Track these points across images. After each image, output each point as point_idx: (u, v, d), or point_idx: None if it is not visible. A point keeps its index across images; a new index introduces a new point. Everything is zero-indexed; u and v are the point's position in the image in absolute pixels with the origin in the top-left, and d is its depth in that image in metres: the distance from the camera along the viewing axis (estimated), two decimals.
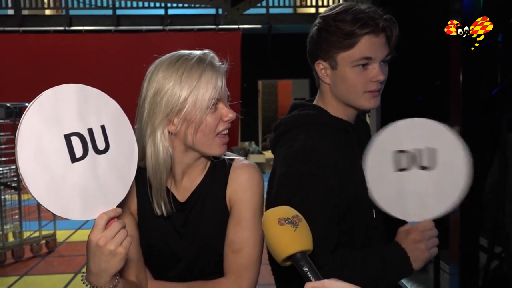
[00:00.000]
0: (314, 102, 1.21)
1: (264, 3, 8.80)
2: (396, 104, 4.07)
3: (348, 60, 1.08)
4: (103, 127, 0.87)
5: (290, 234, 0.77)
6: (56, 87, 0.87)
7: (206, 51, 1.06)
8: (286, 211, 0.82)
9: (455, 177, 1.04)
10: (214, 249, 1.08)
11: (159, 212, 1.06)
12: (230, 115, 1.03)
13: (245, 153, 8.82)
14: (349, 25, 1.06)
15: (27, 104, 4.71)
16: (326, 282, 0.71)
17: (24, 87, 8.25)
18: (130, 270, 1.08)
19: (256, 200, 1.07)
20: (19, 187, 4.29)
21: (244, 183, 1.07)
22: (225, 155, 1.11)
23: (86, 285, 0.91)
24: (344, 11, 1.08)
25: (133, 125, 0.98)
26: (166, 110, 1.00)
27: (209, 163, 1.11)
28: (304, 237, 0.78)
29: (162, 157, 1.02)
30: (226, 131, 1.05)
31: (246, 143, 10.14)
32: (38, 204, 4.42)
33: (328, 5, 9.04)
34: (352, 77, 1.09)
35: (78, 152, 0.84)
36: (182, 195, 1.10)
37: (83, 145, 0.84)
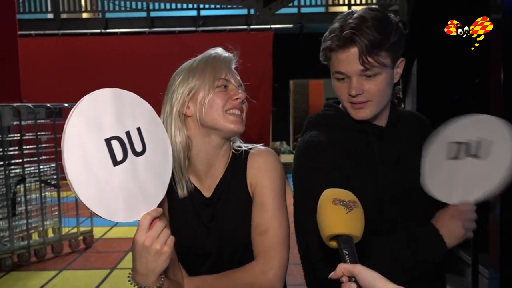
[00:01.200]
0: (340, 105, 1.24)
1: (296, 3, 8.76)
2: (432, 104, 3.96)
3: (331, 71, 1.14)
4: (139, 129, 0.90)
5: (340, 215, 0.78)
6: (94, 92, 0.88)
7: (217, 48, 1.17)
8: (344, 193, 0.83)
9: (500, 166, 1.07)
10: (241, 239, 1.10)
11: (181, 194, 1.09)
12: (239, 94, 1.09)
13: (277, 153, 8.82)
14: (324, 40, 1.12)
15: (66, 104, 4.88)
16: (358, 266, 0.72)
17: (63, 89, 8.53)
18: (168, 269, 1.10)
19: (276, 183, 1.10)
20: (59, 184, 4.44)
21: (261, 167, 1.10)
22: (245, 146, 1.16)
23: (134, 286, 0.93)
24: (334, 23, 1.12)
25: None
26: (179, 95, 1.10)
27: (230, 156, 1.15)
28: (354, 222, 0.78)
29: (180, 138, 1.09)
30: (237, 111, 1.10)
31: (277, 143, 10.12)
32: (76, 201, 4.56)
33: (360, 3, 8.90)
34: (335, 88, 1.15)
35: (119, 155, 0.86)
36: (207, 191, 1.13)
37: (123, 148, 0.87)
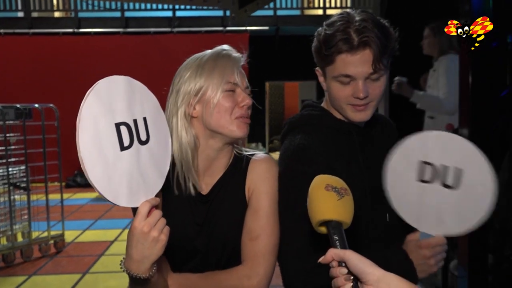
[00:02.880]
0: (322, 104, 1.23)
1: (271, 5, 8.80)
2: (405, 105, 4.05)
3: (331, 74, 1.10)
4: (145, 119, 0.91)
5: (333, 201, 0.78)
6: (110, 77, 0.90)
7: (224, 45, 1.16)
8: (336, 180, 0.83)
9: (478, 201, 0.99)
10: (231, 241, 1.10)
11: (190, 192, 1.10)
12: (246, 100, 1.09)
13: None
14: (329, 42, 1.06)
15: (36, 105, 4.77)
16: (348, 252, 0.73)
17: (33, 89, 8.33)
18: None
19: (274, 190, 1.09)
20: (28, 187, 4.33)
21: (262, 173, 1.10)
22: (247, 151, 1.16)
23: (125, 271, 0.93)
24: (332, 24, 1.08)
25: None
26: (185, 94, 1.08)
27: (231, 158, 1.14)
28: (345, 209, 0.79)
29: (185, 137, 1.08)
30: (244, 118, 1.11)
31: (253, 145, 10.14)
32: (47, 205, 4.45)
33: (335, 7, 9.02)
34: (335, 90, 1.11)
35: (126, 141, 0.88)
36: (204, 189, 1.13)
37: (130, 134, 0.89)
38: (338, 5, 9.04)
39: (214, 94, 1.07)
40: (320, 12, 9.18)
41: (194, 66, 1.10)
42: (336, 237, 0.76)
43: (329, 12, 8.86)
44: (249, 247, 1.06)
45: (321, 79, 1.18)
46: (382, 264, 1.03)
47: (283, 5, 9.03)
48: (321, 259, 0.75)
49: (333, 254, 0.74)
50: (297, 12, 9.57)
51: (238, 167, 1.13)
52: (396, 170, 1.03)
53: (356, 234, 1.11)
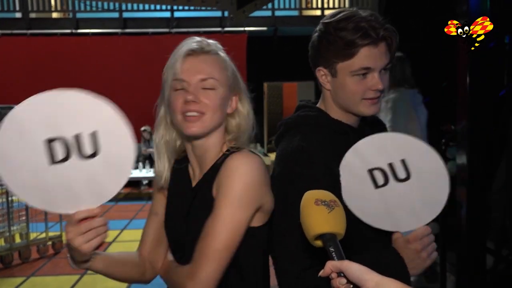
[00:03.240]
0: (318, 105, 1.22)
1: (269, 6, 8.81)
2: None
3: (348, 70, 1.09)
4: (93, 133, 0.92)
5: (323, 215, 0.80)
6: (46, 93, 0.94)
7: (202, 38, 1.13)
8: (325, 194, 0.85)
9: (435, 180, 1.03)
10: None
11: (188, 184, 1.13)
12: (188, 97, 1.02)
13: None
14: (350, 35, 1.06)
15: None
16: (345, 262, 0.75)
17: (31, 90, 8.27)
18: (144, 246, 1.17)
19: (235, 190, 1.00)
20: None
21: (228, 171, 1.02)
22: (238, 149, 1.09)
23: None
24: (346, 19, 1.08)
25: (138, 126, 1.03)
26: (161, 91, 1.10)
27: (220, 154, 1.11)
28: (337, 220, 0.81)
29: (167, 138, 1.13)
30: (193, 113, 1.04)
31: (251, 145, 10.12)
32: None
33: (334, 7, 9.03)
34: (351, 86, 1.10)
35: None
36: (195, 182, 1.14)
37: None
38: (336, 5, 9.05)
39: (166, 91, 1.07)
40: (318, 12, 9.19)
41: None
42: (332, 249, 0.78)
43: (327, 12, 8.86)
44: (197, 245, 1.01)
45: (324, 79, 1.14)
46: (374, 266, 1.04)
47: (281, 6, 9.03)
48: (320, 273, 0.77)
49: (331, 266, 0.75)
50: (295, 13, 9.58)
51: (219, 164, 1.08)
52: (351, 189, 1.04)
53: (354, 235, 1.11)
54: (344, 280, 0.74)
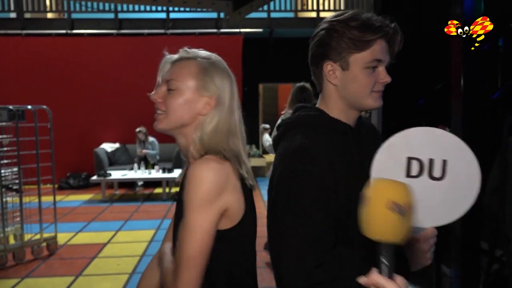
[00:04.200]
0: (317, 105, 1.23)
1: (265, 7, 8.82)
2: (397, 107, 4.07)
3: (362, 61, 1.11)
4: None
5: (393, 223, 0.71)
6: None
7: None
8: (401, 193, 0.73)
9: (464, 189, 1.03)
10: None
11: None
12: (153, 96, 1.15)
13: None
14: (365, 28, 1.09)
15: (29, 107, 4.75)
16: (391, 285, 0.68)
17: (26, 90, 8.28)
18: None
19: (195, 195, 1.02)
20: (21, 189, 4.30)
21: (189, 178, 1.04)
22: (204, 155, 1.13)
23: None
24: (355, 15, 1.12)
25: None
26: None
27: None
28: (403, 231, 0.72)
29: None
30: (158, 111, 1.15)
31: (247, 147, 10.12)
32: (40, 207, 4.42)
33: (329, 9, 9.05)
34: (363, 78, 1.12)
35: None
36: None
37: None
38: (332, 8, 9.08)
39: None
40: (313, 14, 9.21)
41: None
42: (384, 260, 0.71)
43: (322, 14, 8.89)
44: (175, 254, 1.07)
45: (332, 74, 1.16)
46: (357, 263, 1.05)
47: (277, 8, 9.05)
48: (361, 281, 0.71)
49: (374, 280, 0.69)
50: (291, 15, 9.60)
51: (186, 171, 1.14)
52: (383, 169, 1.05)
53: (355, 233, 1.12)
54: None
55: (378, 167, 1.06)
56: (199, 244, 1.02)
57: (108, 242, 4.95)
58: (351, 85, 1.14)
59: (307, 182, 1.07)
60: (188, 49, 1.17)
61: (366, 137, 1.24)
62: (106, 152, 8.48)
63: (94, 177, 7.40)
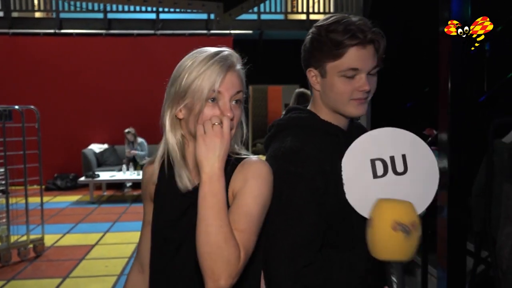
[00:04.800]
0: (308, 107, 1.25)
1: (255, 9, 8.84)
2: (385, 110, 4.11)
3: (336, 70, 1.12)
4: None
5: (399, 243, 0.74)
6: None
7: (225, 48, 1.10)
8: (406, 213, 0.77)
9: (427, 178, 1.11)
10: None
11: (182, 187, 1.09)
12: (228, 114, 1.02)
13: None
14: (339, 36, 1.10)
15: (16, 107, 4.69)
16: None
17: (13, 90, 8.18)
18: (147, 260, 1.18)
19: (260, 190, 1.02)
20: (7, 190, 4.25)
21: (249, 174, 1.04)
22: (238, 154, 1.11)
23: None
24: (336, 22, 1.12)
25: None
26: (175, 95, 1.06)
27: None
28: (410, 249, 0.74)
29: (171, 140, 1.09)
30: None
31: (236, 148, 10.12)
32: (27, 208, 4.37)
33: (318, 12, 9.10)
34: (339, 86, 1.13)
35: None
36: (192, 185, 1.11)
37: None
38: (322, 10, 9.13)
39: (198, 103, 1.03)
40: (303, 17, 9.25)
41: (187, 67, 1.06)
42: (394, 279, 0.74)
43: (312, 17, 8.94)
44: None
45: (315, 80, 1.18)
46: (364, 260, 1.06)
47: (267, 10, 9.07)
48: None
49: None
50: (281, 17, 9.63)
51: (227, 168, 1.08)
52: (353, 175, 1.10)
53: (344, 235, 1.13)
54: None
55: (347, 173, 1.09)
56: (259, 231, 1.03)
57: (96, 243, 4.91)
58: (329, 92, 1.16)
59: (298, 184, 1.08)
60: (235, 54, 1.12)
61: (354, 138, 1.26)
62: (94, 153, 8.41)
63: (82, 178, 7.34)
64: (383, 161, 1.10)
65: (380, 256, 0.75)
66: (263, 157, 1.18)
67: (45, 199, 6.76)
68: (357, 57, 1.10)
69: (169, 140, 1.09)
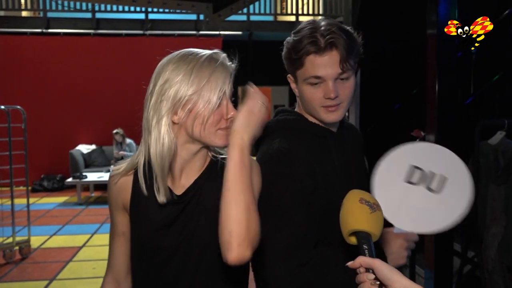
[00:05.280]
0: (295, 109, 1.25)
1: (245, 10, 8.84)
2: (374, 112, 4.14)
3: (302, 78, 1.14)
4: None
5: (366, 214, 0.85)
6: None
7: (217, 50, 1.10)
8: (369, 196, 0.89)
9: (453, 208, 1.11)
10: (209, 245, 1.06)
11: (160, 200, 1.07)
12: (232, 113, 1.05)
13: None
14: (298, 45, 1.11)
15: (2, 107, 4.62)
16: (377, 261, 0.79)
17: None
18: (121, 271, 1.16)
19: (256, 187, 1.05)
20: None
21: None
22: (223, 155, 1.12)
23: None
24: (299, 30, 1.14)
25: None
26: (174, 100, 1.04)
27: (208, 161, 1.12)
28: (376, 223, 0.85)
29: (167, 144, 1.05)
30: (227, 128, 1.07)
31: (225, 149, 10.11)
32: (13, 209, 4.32)
33: (307, 14, 9.14)
34: (307, 93, 1.15)
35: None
36: (178, 191, 1.11)
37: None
38: (311, 12, 9.17)
39: (205, 108, 1.03)
40: (292, 18, 9.28)
41: (186, 70, 1.03)
42: (366, 247, 0.82)
43: (301, 18, 8.97)
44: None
45: (293, 85, 1.20)
46: (342, 261, 1.07)
47: (257, 11, 9.08)
48: (349, 264, 0.81)
49: (361, 261, 0.80)
50: (270, 18, 9.64)
51: (215, 171, 1.10)
52: (388, 169, 1.12)
53: (337, 233, 1.14)
54: (372, 276, 0.78)
55: (383, 168, 1.12)
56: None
57: (84, 245, 4.87)
58: (301, 99, 1.18)
59: (287, 185, 1.08)
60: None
61: (348, 142, 1.26)
62: (82, 154, 8.33)
63: (69, 179, 7.26)
64: (423, 172, 1.12)
65: (351, 226, 0.84)
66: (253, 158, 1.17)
67: (32, 200, 6.67)
68: (316, 65, 1.10)
69: (163, 146, 1.05)
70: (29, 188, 5.12)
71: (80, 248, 4.78)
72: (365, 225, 0.83)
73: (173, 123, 1.06)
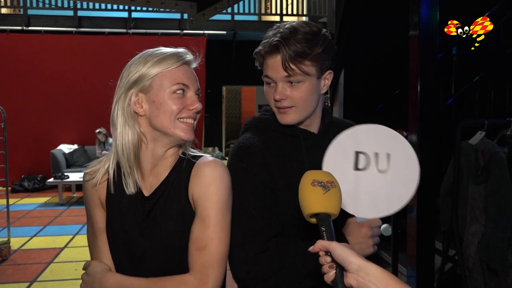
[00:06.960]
0: None
1: (229, 10, 8.82)
2: (356, 112, 4.18)
3: (262, 76, 1.20)
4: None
5: (318, 196, 0.85)
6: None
7: (182, 49, 1.13)
8: (323, 175, 0.89)
9: (405, 182, 1.12)
10: (173, 248, 1.07)
11: (128, 192, 1.08)
12: (196, 104, 1.08)
13: None
14: (260, 45, 1.18)
15: None
16: (333, 243, 0.80)
17: None
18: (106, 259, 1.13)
19: (220, 195, 1.05)
20: None
21: (206, 179, 1.05)
22: (194, 152, 1.13)
23: None
24: (268, 32, 1.19)
25: None
26: (136, 84, 1.06)
27: (176, 159, 1.12)
28: (331, 201, 0.85)
29: (131, 135, 1.07)
30: (190, 120, 1.08)
31: (210, 149, 10.09)
32: None
33: (292, 14, 9.17)
34: (265, 92, 1.21)
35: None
36: (148, 190, 1.11)
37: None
38: (295, 12, 9.20)
39: (162, 95, 1.05)
40: (277, 18, 9.29)
41: (149, 62, 1.07)
42: (323, 229, 0.83)
43: (285, 18, 8.99)
44: (196, 257, 1.02)
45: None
46: (301, 252, 1.08)
47: (241, 11, 9.07)
48: (310, 248, 0.82)
49: (320, 245, 0.81)
50: (255, 18, 9.64)
51: (182, 170, 1.10)
52: (333, 162, 1.12)
53: (298, 226, 1.15)
54: (329, 259, 0.80)
55: (328, 160, 1.12)
56: (228, 242, 1.06)
57: (65, 246, 4.79)
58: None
59: (242, 178, 1.13)
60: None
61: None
62: (64, 154, 8.20)
63: (51, 179, 7.14)
64: (366, 156, 1.12)
65: (308, 210, 0.85)
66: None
67: (12, 201, 6.55)
68: (266, 66, 1.17)
69: (128, 136, 1.06)
70: (9, 188, 5.02)
71: (61, 249, 4.71)
72: (319, 207, 0.84)
73: (139, 115, 1.07)
